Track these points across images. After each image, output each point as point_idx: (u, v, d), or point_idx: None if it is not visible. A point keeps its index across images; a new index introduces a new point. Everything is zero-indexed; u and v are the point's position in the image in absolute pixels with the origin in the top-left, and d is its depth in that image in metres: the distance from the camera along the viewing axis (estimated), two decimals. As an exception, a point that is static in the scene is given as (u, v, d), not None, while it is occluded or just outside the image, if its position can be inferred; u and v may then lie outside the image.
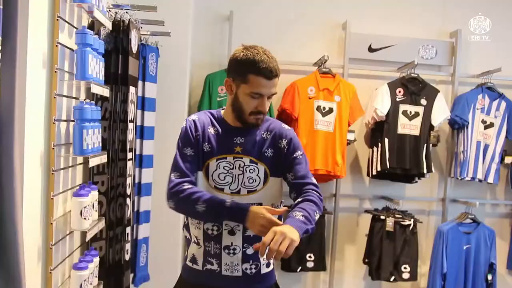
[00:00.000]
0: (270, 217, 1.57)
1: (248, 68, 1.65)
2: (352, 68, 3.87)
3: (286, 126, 1.84)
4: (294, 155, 1.78)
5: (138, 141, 2.95)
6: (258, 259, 1.79)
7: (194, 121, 1.77)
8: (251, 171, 1.74)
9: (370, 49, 3.90)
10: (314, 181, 1.76)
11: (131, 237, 2.62)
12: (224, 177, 1.73)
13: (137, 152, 2.95)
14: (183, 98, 3.38)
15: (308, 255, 3.66)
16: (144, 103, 2.97)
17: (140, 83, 2.93)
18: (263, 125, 1.80)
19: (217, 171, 1.73)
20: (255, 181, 1.74)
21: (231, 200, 1.65)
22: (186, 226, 1.84)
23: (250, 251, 1.76)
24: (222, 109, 1.83)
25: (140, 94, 2.95)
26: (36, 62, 1.81)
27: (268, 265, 1.84)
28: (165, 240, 3.24)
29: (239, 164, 1.73)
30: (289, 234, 1.46)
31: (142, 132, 2.98)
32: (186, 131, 1.76)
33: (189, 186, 1.67)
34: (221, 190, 1.73)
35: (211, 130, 1.76)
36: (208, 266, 1.78)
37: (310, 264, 3.67)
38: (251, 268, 1.78)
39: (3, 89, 1.48)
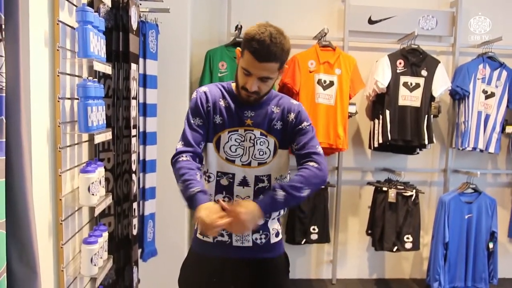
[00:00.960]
0: (208, 220, 1.52)
1: (246, 44, 1.65)
2: (352, 40, 3.86)
3: (294, 101, 1.85)
4: (300, 126, 1.79)
5: (141, 118, 2.97)
6: (268, 229, 1.83)
7: (205, 92, 1.79)
8: (262, 143, 1.77)
9: (370, 21, 3.88)
10: (318, 150, 1.73)
11: (137, 213, 2.66)
12: (236, 149, 1.77)
13: (141, 130, 2.97)
14: (184, 75, 3.39)
15: (312, 227, 3.72)
16: (146, 81, 2.98)
17: (141, 60, 2.94)
18: (273, 99, 1.81)
19: (228, 143, 1.76)
20: (265, 153, 1.77)
21: (198, 189, 1.59)
22: None
23: (260, 221, 1.78)
24: (233, 82, 1.84)
25: (141, 71, 2.96)
26: (38, 40, 1.82)
27: (277, 235, 1.87)
28: (171, 215, 3.30)
29: (250, 137, 1.76)
30: (244, 216, 1.53)
31: (145, 110, 2.99)
32: (196, 102, 1.77)
33: (185, 158, 1.67)
34: (233, 162, 1.76)
35: (222, 103, 1.78)
36: (219, 238, 1.80)
37: (314, 237, 3.74)
38: (261, 238, 1.82)
39: (8, 67, 1.50)
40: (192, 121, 1.75)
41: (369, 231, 3.85)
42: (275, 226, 1.86)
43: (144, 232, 3.07)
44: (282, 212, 1.89)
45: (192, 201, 1.58)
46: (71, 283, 2.09)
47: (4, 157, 1.49)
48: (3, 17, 1.46)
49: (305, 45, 3.73)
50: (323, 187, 3.75)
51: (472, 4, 3.94)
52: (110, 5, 2.28)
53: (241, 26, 3.62)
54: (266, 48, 1.60)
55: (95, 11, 2.14)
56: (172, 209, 3.29)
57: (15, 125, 1.53)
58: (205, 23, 3.82)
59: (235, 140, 1.76)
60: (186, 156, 1.68)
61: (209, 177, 1.79)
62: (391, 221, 3.67)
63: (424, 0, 3.98)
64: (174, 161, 1.70)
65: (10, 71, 1.51)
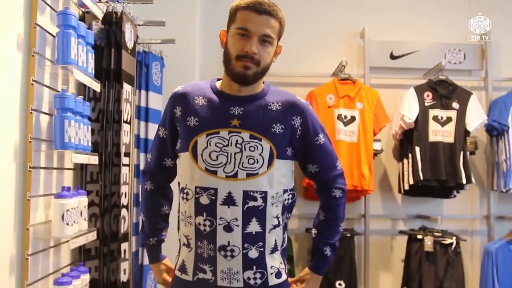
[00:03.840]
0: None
1: (238, 7, 1.39)
2: (373, 77, 3.60)
3: (301, 99, 1.50)
4: (316, 140, 1.48)
5: (142, 155, 2.71)
6: (265, 265, 1.41)
7: (175, 93, 1.48)
8: (252, 148, 1.39)
9: (392, 57, 3.64)
10: (340, 168, 1.55)
11: (130, 256, 2.30)
12: (217, 157, 1.39)
13: (141, 168, 2.69)
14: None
15: (337, 282, 3.25)
16: (148, 114, 2.76)
17: (143, 92, 2.74)
18: (272, 95, 1.46)
19: (207, 149, 1.39)
20: (257, 161, 1.38)
21: (154, 240, 1.57)
22: (178, 225, 1.52)
23: (253, 253, 1.40)
24: (218, 80, 1.53)
25: (143, 104, 2.75)
26: (9, 43, 1.61)
27: (278, 275, 1.44)
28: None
29: (236, 140, 1.39)
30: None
31: (147, 146, 2.74)
32: (165, 108, 1.51)
33: (148, 188, 1.56)
34: (214, 173, 1.38)
35: (199, 101, 1.44)
36: (200, 275, 1.42)
37: (340, 293, 3.25)
38: (255, 278, 1.41)
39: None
40: (158, 132, 1.53)
41: (405, 287, 3.34)
42: (275, 263, 1.44)
43: (143, 285, 2.69)
44: (285, 243, 1.51)
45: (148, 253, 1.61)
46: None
47: None
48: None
49: (323, 83, 3.47)
50: (348, 235, 3.33)
51: (502, 36, 3.67)
52: (100, 17, 2.10)
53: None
54: (266, 3, 1.38)
55: (87, 28, 1.95)
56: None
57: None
58: (215, 58, 3.63)
59: (216, 145, 1.39)
60: (150, 184, 1.56)
61: (187, 194, 1.42)
62: (429, 274, 3.17)
63: (449, 34, 3.73)
64: (141, 185, 1.60)
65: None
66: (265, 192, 1.39)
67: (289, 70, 3.54)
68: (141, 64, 2.71)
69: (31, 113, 1.68)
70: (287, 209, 1.50)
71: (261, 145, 1.40)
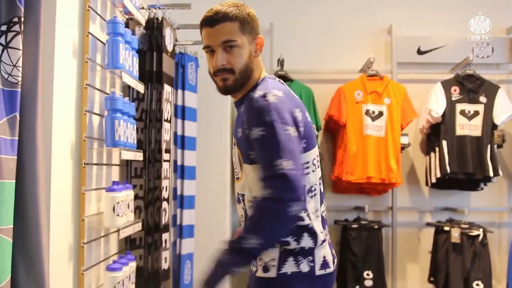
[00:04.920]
0: None
1: (200, 26, 1.44)
2: (401, 72, 3.66)
3: (257, 94, 1.35)
4: (252, 135, 1.31)
5: (179, 151, 2.85)
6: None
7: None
8: (234, 155, 1.48)
9: (419, 52, 3.69)
10: (280, 169, 1.23)
11: (170, 246, 2.46)
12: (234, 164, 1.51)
13: (179, 163, 2.84)
14: (225, 111, 3.30)
15: (365, 272, 3.36)
16: (184, 112, 2.90)
17: (179, 91, 2.87)
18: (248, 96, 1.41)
19: None
20: (237, 167, 1.46)
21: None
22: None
23: None
24: None
25: (180, 103, 2.89)
26: (66, 51, 1.77)
27: (265, 269, 1.39)
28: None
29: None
30: None
31: (183, 142, 2.88)
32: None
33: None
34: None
35: None
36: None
37: (368, 283, 3.35)
38: (253, 265, 1.45)
39: (26, 62, 1.42)
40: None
41: (432, 278, 3.42)
42: (265, 257, 1.38)
43: (181, 273, 2.85)
44: (288, 245, 1.39)
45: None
46: (92, 315, 1.89)
47: (16, 157, 1.37)
48: (22, 9, 1.39)
49: (352, 79, 3.55)
50: (376, 227, 3.41)
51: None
52: (143, 23, 2.24)
53: (283, 60, 3.52)
54: (214, 11, 1.39)
55: (131, 34, 2.10)
56: (212, 250, 3.06)
57: (30, 124, 1.42)
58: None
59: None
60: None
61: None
62: (456, 265, 3.24)
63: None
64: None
65: (28, 66, 1.43)
66: (243, 195, 1.44)
67: (318, 67, 3.64)
68: (177, 64, 2.85)
69: (85, 114, 1.84)
70: None
71: (236, 151, 1.45)
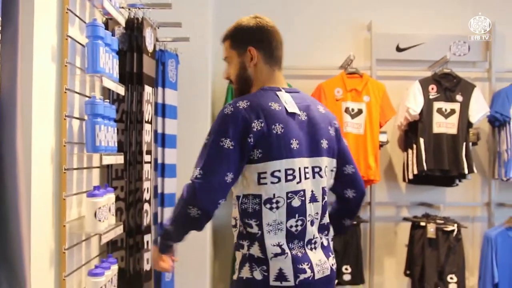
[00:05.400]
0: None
1: None
2: (380, 69, 3.70)
3: (235, 100, 1.55)
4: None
5: (159, 149, 2.85)
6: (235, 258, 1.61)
7: None
8: None
9: (398, 49, 3.74)
10: (191, 176, 1.48)
11: (152, 247, 2.47)
12: None
13: (159, 161, 2.84)
14: (206, 107, 3.28)
15: (344, 267, 3.42)
16: (164, 110, 2.88)
17: (159, 89, 2.85)
18: None
19: None
20: None
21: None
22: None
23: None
24: None
25: (160, 100, 2.87)
26: (44, 55, 1.73)
27: (234, 272, 1.63)
28: (192, 254, 3.07)
29: None
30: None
31: (164, 140, 2.87)
32: None
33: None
34: None
35: None
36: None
37: (347, 277, 3.43)
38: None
39: (4, 69, 1.39)
40: None
41: (408, 271, 3.51)
42: (237, 260, 1.59)
43: (162, 273, 2.86)
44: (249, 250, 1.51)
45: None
46: (74, 320, 1.89)
47: (-5, 167, 1.36)
48: (-1, 18, 1.37)
49: (332, 76, 3.58)
50: (354, 222, 3.47)
51: (506, 27, 3.75)
52: (123, 24, 2.21)
53: (263, 56, 3.52)
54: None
55: (111, 35, 2.07)
56: (193, 247, 3.07)
57: (9, 130, 1.40)
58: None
59: None
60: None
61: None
62: (431, 259, 3.34)
63: (454, 26, 3.81)
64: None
65: (6, 72, 1.40)
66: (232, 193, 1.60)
67: (297, 63, 3.64)
68: (157, 62, 2.82)
69: (64, 119, 1.82)
70: (244, 214, 1.51)
71: None
